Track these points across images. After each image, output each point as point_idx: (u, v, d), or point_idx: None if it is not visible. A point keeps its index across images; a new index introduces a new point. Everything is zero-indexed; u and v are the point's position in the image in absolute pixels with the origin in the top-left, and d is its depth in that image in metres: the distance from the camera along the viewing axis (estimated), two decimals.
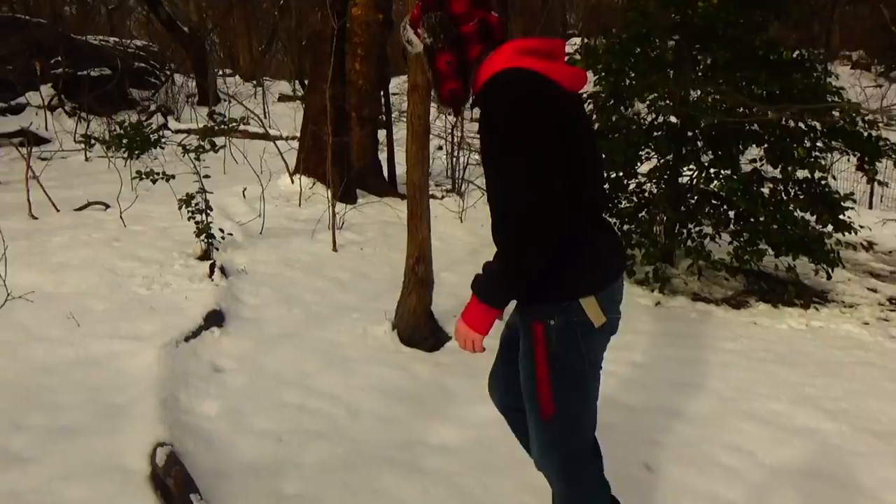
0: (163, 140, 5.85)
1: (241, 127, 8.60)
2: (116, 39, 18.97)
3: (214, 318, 4.12)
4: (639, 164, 6.01)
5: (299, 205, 7.59)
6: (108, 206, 6.95)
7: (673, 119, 5.67)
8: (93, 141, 8.48)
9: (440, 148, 12.88)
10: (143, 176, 5.27)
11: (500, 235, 1.91)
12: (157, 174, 5.29)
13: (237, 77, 21.82)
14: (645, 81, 5.15)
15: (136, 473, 2.58)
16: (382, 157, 9.27)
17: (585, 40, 21.43)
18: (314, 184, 8.37)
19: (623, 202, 6.18)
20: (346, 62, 8.33)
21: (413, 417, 3.27)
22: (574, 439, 2.08)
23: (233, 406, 3.23)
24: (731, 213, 5.63)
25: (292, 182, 8.41)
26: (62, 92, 13.91)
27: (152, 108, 14.78)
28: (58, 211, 6.70)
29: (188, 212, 5.29)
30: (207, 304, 4.29)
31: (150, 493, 2.50)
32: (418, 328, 4.03)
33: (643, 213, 5.99)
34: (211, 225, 5.34)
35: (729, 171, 5.08)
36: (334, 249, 5.83)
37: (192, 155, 5.26)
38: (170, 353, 3.62)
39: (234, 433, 2.99)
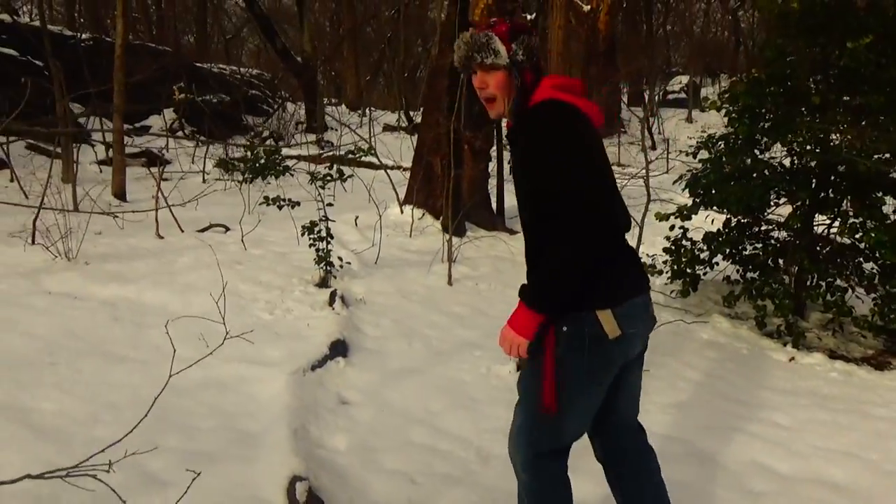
0: (290, 169, 5.97)
1: (353, 155, 8.76)
2: (234, 68, 19.83)
3: (338, 348, 4.11)
4: (768, 209, 5.74)
5: (410, 235, 7.60)
6: (228, 229, 7.14)
7: (811, 163, 5.38)
8: (229, 167, 8.73)
9: None
10: (270, 202, 5.36)
11: (547, 246, 2.06)
12: (284, 200, 5.37)
13: (343, 106, 22.37)
14: (790, 124, 4.90)
15: None
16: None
17: (692, 79, 20.92)
18: (423, 215, 8.39)
19: (748, 248, 5.90)
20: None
21: None
22: (553, 440, 2.22)
23: (362, 441, 3.17)
24: (869, 266, 5.29)
25: (402, 212, 8.45)
26: (183, 116, 14.57)
27: (265, 133, 15.26)
28: (182, 231, 6.92)
29: (310, 239, 5.35)
30: (331, 333, 4.29)
31: None
32: None
33: (769, 261, 5.69)
34: (331, 253, 5.38)
35: (876, 222, 4.76)
36: (449, 283, 5.77)
37: (319, 183, 5.32)
38: (297, 381, 3.61)
39: (365, 471, 2.92)
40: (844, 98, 5.19)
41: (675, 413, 3.73)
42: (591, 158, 2.05)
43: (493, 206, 9.26)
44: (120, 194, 9.00)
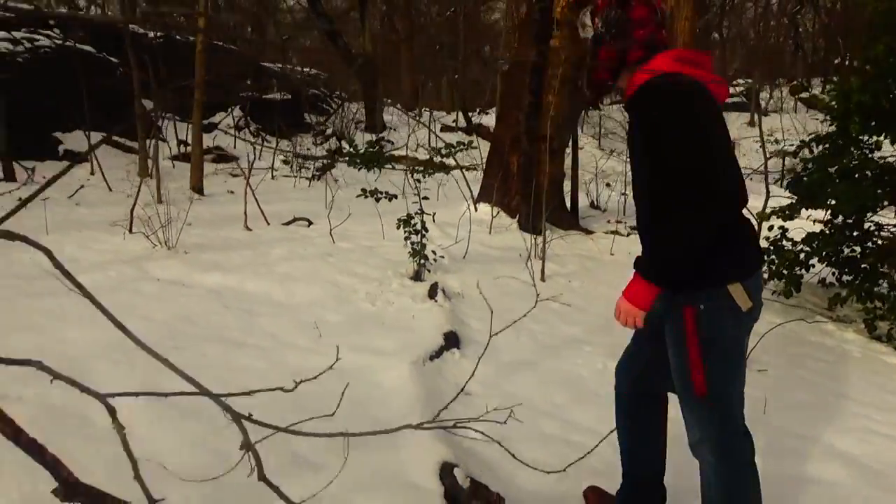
0: (390, 162, 5.99)
1: (412, 155, 8.76)
2: (294, 67, 20.06)
3: (452, 340, 4.09)
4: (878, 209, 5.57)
5: (489, 233, 7.56)
6: (311, 223, 7.18)
7: None
8: (338, 158, 8.74)
9: (608, 185, 12.72)
10: (368, 194, 5.37)
11: (665, 223, 2.05)
12: (381, 193, 5.38)
13: (398, 106, 22.45)
14: None
15: (428, 492, 2.52)
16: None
17: (753, 83, 20.45)
18: (498, 213, 8.35)
19: (845, 251, 5.74)
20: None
21: (687, 462, 3.06)
22: (727, 417, 2.19)
23: (495, 432, 3.13)
24: None
25: (475, 210, 8.42)
26: (248, 114, 14.75)
27: (328, 132, 15.39)
28: (268, 224, 6.98)
29: (405, 232, 5.34)
30: (441, 325, 4.27)
31: None
32: None
33: (875, 263, 5.51)
34: (425, 247, 5.36)
35: None
36: (542, 279, 5.72)
37: (417, 176, 5.32)
38: (419, 371, 3.60)
39: (507, 460, 2.88)
40: None
41: (804, 413, 3.63)
42: (708, 134, 2.02)
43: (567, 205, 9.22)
44: (198, 188, 9.14)
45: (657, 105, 2.09)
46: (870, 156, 5.28)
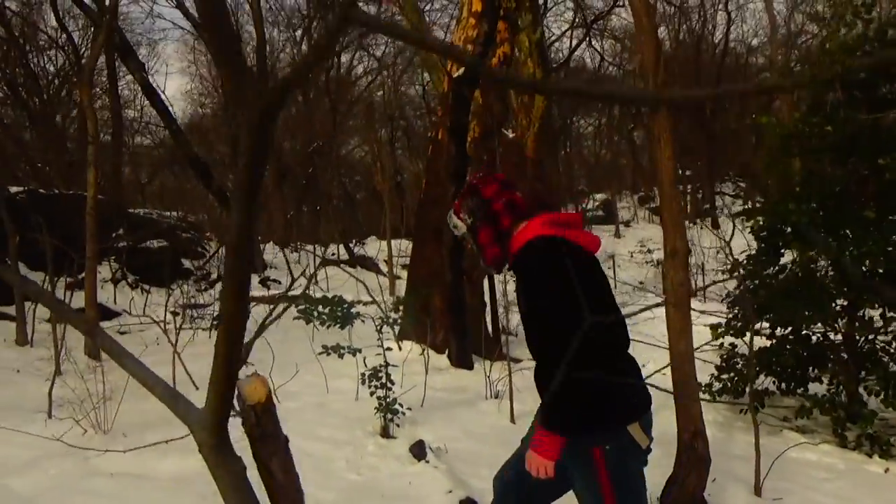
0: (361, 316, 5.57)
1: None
2: (159, 211, 19.32)
3: None
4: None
5: (426, 372, 7.30)
6: None
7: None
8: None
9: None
10: (330, 350, 5.05)
11: (544, 376, 2.43)
12: (344, 348, 5.07)
13: (271, 243, 21.98)
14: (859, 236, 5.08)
15: None
16: None
17: (609, 197, 21.75)
18: (424, 351, 8.10)
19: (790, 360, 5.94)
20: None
21: None
22: None
23: None
24: None
25: (400, 349, 8.15)
26: (123, 265, 13.88)
27: (213, 276, 14.74)
28: (197, 388, 6.39)
29: (371, 386, 5.03)
30: (449, 490, 3.96)
31: None
32: None
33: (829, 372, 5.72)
34: (396, 400, 5.05)
35: None
36: (512, 421, 5.52)
37: (383, 326, 5.08)
38: None
39: None
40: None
41: None
42: (574, 287, 2.25)
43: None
44: (95, 353, 8.31)
45: (528, 264, 2.44)
46: (804, 272, 5.57)
